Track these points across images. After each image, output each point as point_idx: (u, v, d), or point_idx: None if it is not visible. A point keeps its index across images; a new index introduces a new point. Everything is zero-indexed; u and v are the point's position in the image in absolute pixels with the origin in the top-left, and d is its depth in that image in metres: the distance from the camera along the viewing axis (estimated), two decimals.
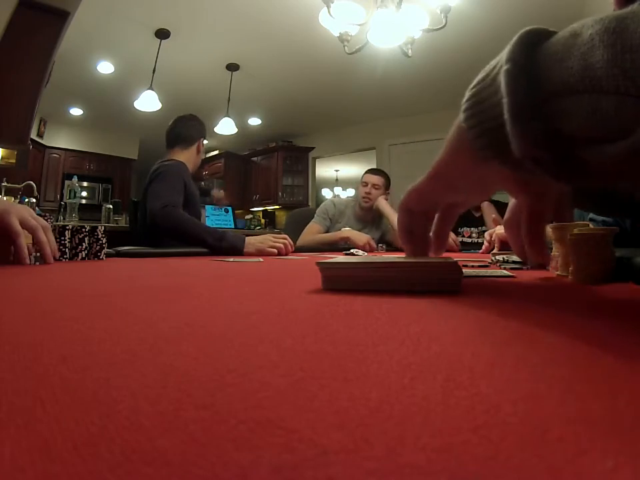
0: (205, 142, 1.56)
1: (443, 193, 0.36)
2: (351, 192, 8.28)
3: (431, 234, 0.41)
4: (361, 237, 1.65)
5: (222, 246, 1.09)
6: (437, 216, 0.40)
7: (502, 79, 0.24)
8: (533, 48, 0.24)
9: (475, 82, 0.28)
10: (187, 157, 1.44)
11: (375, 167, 4.70)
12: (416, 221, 0.39)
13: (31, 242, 0.61)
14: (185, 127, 1.48)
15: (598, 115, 0.20)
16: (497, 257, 0.66)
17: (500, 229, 0.98)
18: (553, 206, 0.33)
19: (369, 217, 1.93)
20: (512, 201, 0.46)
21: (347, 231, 1.73)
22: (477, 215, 1.81)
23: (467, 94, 0.28)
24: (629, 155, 0.20)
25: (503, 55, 0.25)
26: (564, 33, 0.23)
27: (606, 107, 0.20)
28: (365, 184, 1.90)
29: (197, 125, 1.52)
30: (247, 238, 1.13)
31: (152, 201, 1.20)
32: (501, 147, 0.25)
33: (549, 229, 0.61)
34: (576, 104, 0.21)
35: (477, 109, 0.27)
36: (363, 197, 1.89)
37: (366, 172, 1.97)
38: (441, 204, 0.38)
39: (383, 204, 1.86)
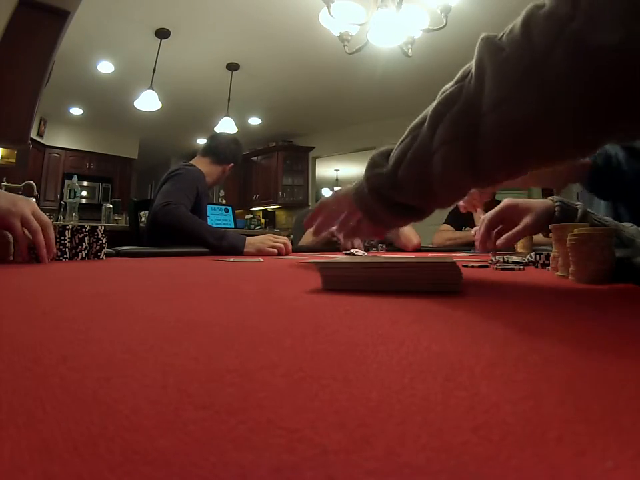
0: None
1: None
2: None
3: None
4: None
5: (222, 245, 1.08)
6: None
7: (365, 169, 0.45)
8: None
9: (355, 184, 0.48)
10: (210, 171, 1.44)
11: None
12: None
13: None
14: (224, 146, 1.48)
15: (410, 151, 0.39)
16: (497, 257, 0.66)
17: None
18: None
19: None
20: (501, 204, 0.70)
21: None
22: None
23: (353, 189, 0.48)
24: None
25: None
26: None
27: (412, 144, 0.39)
28: None
29: (235, 150, 1.52)
30: (247, 238, 1.13)
31: (157, 200, 1.21)
32: (367, 207, 0.46)
33: (539, 236, 0.70)
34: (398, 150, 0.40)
35: (356, 190, 0.47)
36: None
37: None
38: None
39: None
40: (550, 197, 0.68)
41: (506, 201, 0.69)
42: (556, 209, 0.66)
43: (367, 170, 0.45)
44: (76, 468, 0.07)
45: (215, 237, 1.10)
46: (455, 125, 0.34)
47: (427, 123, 0.37)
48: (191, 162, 1.44)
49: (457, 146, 0.34)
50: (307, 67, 3.55)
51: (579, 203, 0.67)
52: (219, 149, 1.47)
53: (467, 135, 0.33)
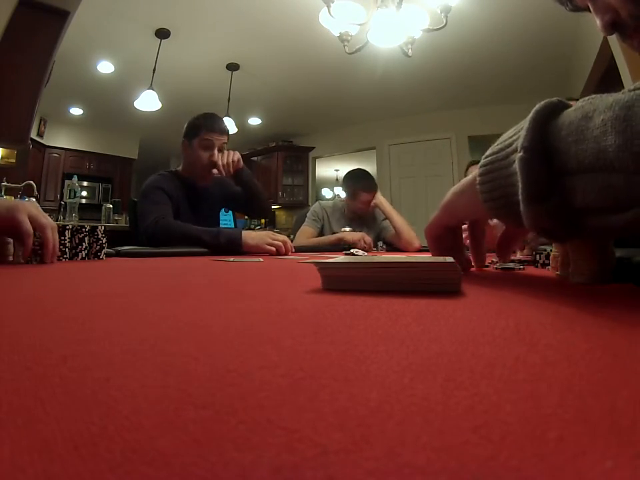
0: (211, 136, 1.38)
1: (450, 219, 0.46)
2: None
3: (469, 253, 0.50)
4: (355, 235, 1.64)
5: (220, 242, 1.09)
6: (469, 237, 0.49)
7: (517, 165, 0.28)
8: (546, 127, 0.28)
9: (490, 151, 0.34)
10: (188, 162, 1.41)
11: (375, 166, 4.69)
12: (443, 242, 0.47)
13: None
14: (187, 126, 1.42)
15: (609, 190, 0.24)
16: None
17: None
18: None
19: (361, 218, 1.84)
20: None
21: (341, 232, 1.71)
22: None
23: (483, 160, 0.34)
24: (631, 224, 0.24)
25: (520, 136, 0.29)
26: (576, 113, 0.26)
27: (616, 183, 0.23)
28: (367, 202, 1.77)
29: (197, 119, 1.40)
30: (243, 231, 1.14)
31: (140, 223, 1.22)
32: (506, 213, 0.33)
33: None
34: (590, 181, 0.25)
35: (490, 178, 0.33)
36: (362, 208, 1.79)
37: (359, 188, 1.75)
38: (455, 224, 0.47)
39: (385, 203, 1.81)
40: None
41: None
42: None
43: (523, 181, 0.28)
44: (76, 468, 0.07)
45: (210, 235, 1.11)
46: None
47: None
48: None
49: None
50: (307, 67, 3.55)
51: None
52: (184, 133, 1.41)
53: None
